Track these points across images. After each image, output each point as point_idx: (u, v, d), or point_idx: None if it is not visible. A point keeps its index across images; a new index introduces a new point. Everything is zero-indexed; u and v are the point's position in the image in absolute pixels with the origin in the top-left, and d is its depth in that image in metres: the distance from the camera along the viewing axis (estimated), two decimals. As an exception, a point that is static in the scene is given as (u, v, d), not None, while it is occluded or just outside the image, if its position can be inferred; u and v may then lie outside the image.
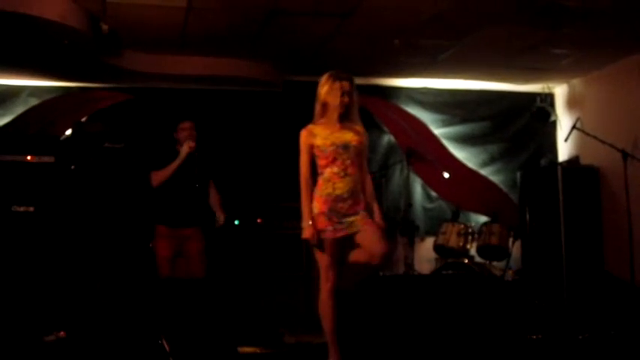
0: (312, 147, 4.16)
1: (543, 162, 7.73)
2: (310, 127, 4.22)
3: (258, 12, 5.57)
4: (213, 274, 5.84)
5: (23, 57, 6.31)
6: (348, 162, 4.13)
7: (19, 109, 7.00)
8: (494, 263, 6.73)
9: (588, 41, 6.30)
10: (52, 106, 7.05)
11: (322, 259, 4.10)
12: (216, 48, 6.61)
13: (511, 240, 6.69)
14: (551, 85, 7.97)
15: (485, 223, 7.00)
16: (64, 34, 5.44)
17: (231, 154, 7.07)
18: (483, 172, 7.93)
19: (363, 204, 4.17)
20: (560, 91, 8.09)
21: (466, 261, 6.43)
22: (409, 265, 6.99)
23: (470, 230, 6.91)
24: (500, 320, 5.62)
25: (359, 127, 4.26)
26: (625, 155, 6.19)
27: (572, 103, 7.87)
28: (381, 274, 6.56)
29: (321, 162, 4.16)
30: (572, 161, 7.58)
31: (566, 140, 6.99)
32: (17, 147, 5.71)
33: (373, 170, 7.41)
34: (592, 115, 7.43)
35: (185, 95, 7.21)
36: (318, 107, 4.23)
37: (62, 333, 4.86)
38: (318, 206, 4.10)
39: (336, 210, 4.07)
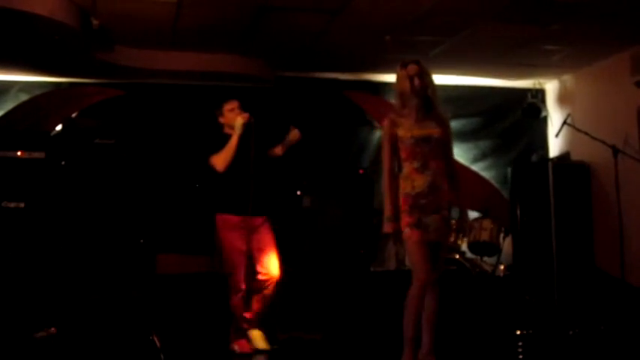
0: (394, 137, 4.02)
1: (534, 158, 7.74)
2: (392, 116, 4.10)
3: (249, 8, 5.56)
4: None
5: (13, 52, 6.28)
6: (430, 155, 3.99)
7: (9, 105, 6.98)
8: (485, 259, 6.74)
9: (579, 37, 6.31)
10: (42, 102, 7.02)
11: (414, 256, 3.96)
12: (207, 44, 6.59)
13: (502, 236, 6.71)
14: (542, 80, 7.98)
15: (476, 219, 7.02)
16: (54, 29, 5.41)
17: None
18: (474, 167, 7.94)
19: (447, 198, 4.04)
20: (551, 87, 8.10)
21: (457, 257, 6.43)
22: (400, 260, 6.98)
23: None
24: (491, 315, 5.64)
25: (442, 117, 4.15)
26: (615, 151, 6.20)
27: (563, 98, 7.88)
28: (372, 269, 6.59)
29: (401, 154, 4.02)
30: (563, 157, 7.60)
31: (556, 136, 7.00)
32: (7, 143, 5.69)
33: (364, 166, 7.42)
34: (583, 110, 7.45)
35: (176, 91, 7.19)
36: (396, 100, 4.16)
37: (53, 329, 4.85)
38: (400, 204, 3.98)
39: (418, 206, 3.94)
